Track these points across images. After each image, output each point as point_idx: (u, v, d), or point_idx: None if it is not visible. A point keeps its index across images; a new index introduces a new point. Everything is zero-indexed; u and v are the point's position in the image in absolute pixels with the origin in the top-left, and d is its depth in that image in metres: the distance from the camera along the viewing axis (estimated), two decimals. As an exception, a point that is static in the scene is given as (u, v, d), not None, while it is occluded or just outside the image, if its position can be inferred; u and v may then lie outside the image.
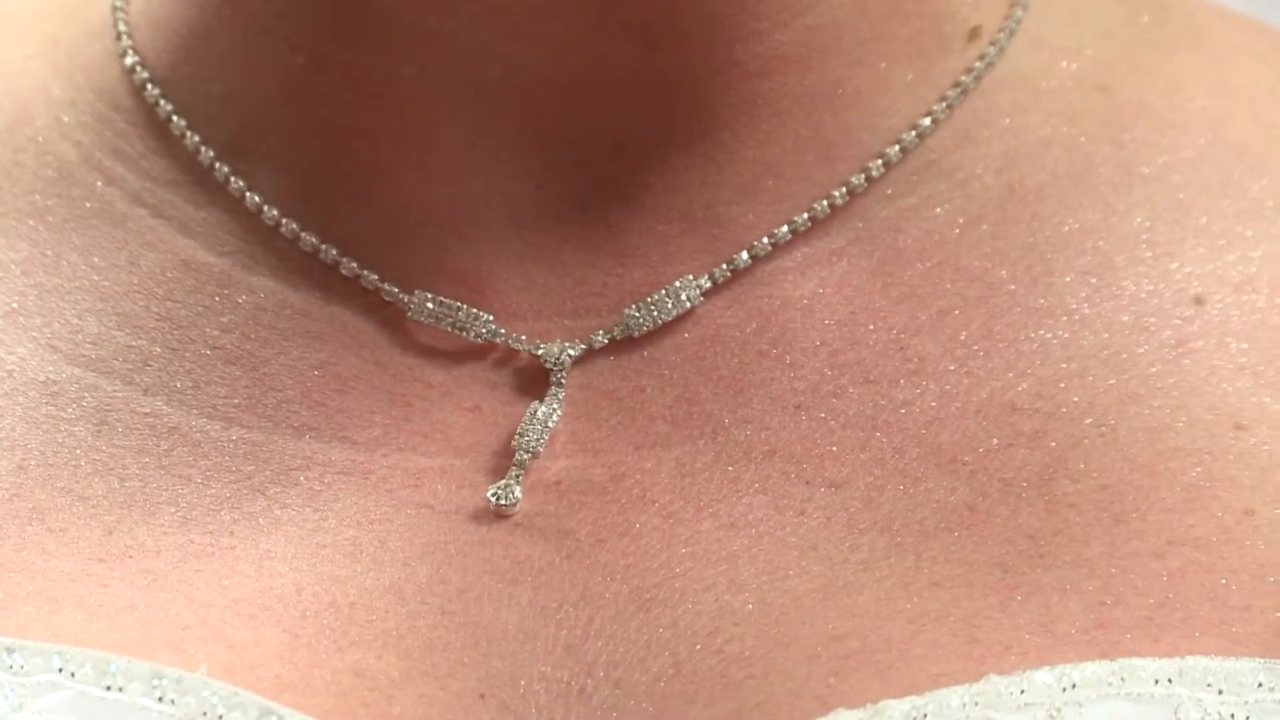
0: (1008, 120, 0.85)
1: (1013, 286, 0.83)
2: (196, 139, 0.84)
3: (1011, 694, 0.74)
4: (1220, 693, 0.76)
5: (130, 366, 0.82)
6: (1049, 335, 0.83)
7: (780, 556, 0.78)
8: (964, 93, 0.84)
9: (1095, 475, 0.80)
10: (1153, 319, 0.83)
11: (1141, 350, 0.82)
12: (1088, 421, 0.82)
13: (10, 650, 0.77)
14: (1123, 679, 0.74)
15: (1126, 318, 0.83)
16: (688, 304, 0.80)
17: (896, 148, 0.83)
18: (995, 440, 0.81)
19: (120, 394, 0.81)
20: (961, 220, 0.83)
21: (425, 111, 0.81)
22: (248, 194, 0.83)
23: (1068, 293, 0.85)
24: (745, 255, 0.80)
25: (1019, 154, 0.85)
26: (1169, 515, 0.78)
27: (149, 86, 0.85)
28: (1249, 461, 0.79)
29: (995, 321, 0.83)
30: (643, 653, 0.78)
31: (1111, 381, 0.84)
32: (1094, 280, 0.86)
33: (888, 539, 0.79)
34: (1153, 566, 0.77)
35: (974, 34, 0.85)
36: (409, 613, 0.79)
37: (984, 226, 0.84)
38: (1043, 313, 0.84)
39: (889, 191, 0.83)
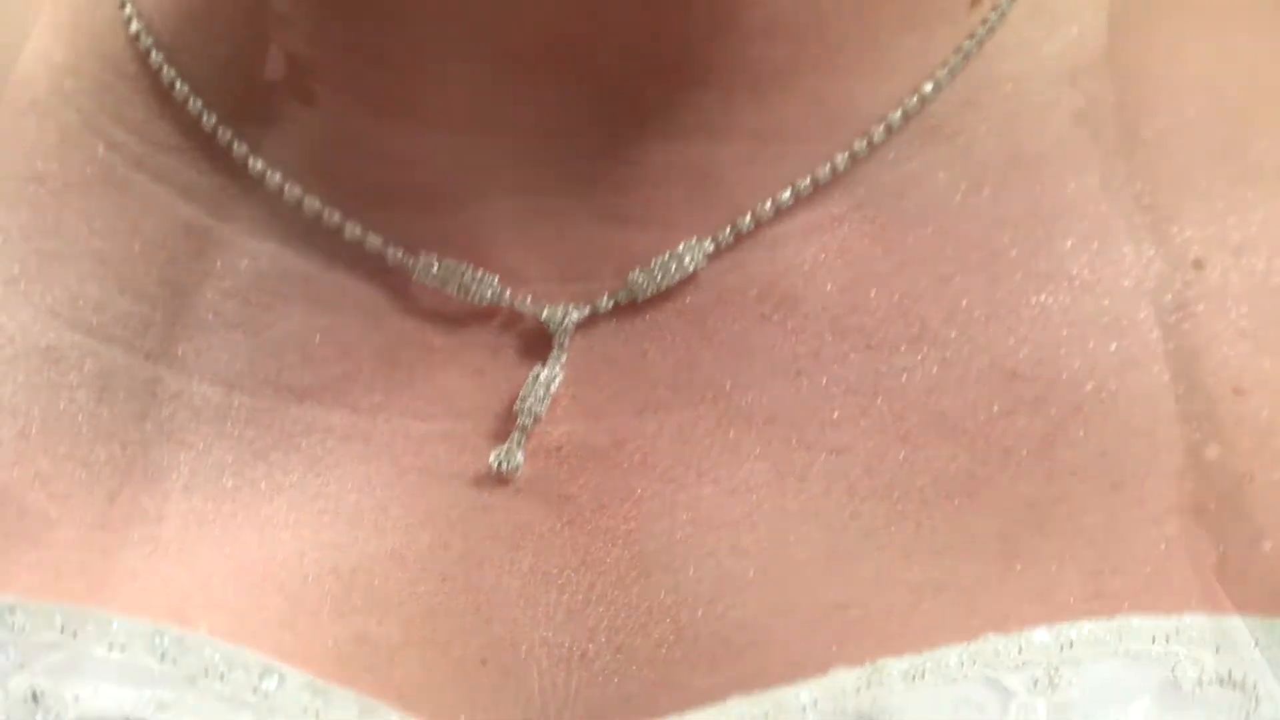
0: (1010, 85, 0.85)
1: (1014, 252, 0.83)
2: (199, 104, 0.84)
3: (1009, 653, 0.75)
4: (1217, 650, 0.76)
5: (131, 332, 0.82)
6: (1050, 300, 0.83)
7: (781, 523, 0.78)
8: (966, 58, 0.84)
9: (1095, 441, 0.80)
10: (1153, 284, 0.83)
11: (1142, 315, 0.82)
12: (1088, 387, 0.82)
13: (12, 609, 0.77)
14: (1120, 637, 0.74)
15: (1127, 283, 0.83)
16: (690, 268, 0.80)
17: (899, 112, 0.83)
18: (996, 407, 0.81)
19: (122, 360, 0.81)
20: (963, 185, 0.83)
21: (427, 76, 0.81)
22: (250, 159, 0.83)
23: (1068, 258, 0.85)
24: (748, 218, 0.81)
25: (1020, 119, 0.85)
26: (1168, 482, 0.78)
27: (153, 53, 0.85)
28: (1248, 426, 0.79)
29: (996, 287, 0.83)
30: (644, 619, 0.78)
31: (1112, 347, 0.84)
32: (1095, 245, 0.86)
33: (888, 506, 0.79)
34: (1151, 534, 0.77)
35: (976, 0, 0.85)
36: (410, 579, 0.79)
37: (985, 191, 0.84)
38: (1044, 278, 0.84)
39: (891, 157, 0.83)
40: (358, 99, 0.84)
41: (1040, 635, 0.74)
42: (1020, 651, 0.74)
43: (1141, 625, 0.75)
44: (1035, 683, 0.74)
